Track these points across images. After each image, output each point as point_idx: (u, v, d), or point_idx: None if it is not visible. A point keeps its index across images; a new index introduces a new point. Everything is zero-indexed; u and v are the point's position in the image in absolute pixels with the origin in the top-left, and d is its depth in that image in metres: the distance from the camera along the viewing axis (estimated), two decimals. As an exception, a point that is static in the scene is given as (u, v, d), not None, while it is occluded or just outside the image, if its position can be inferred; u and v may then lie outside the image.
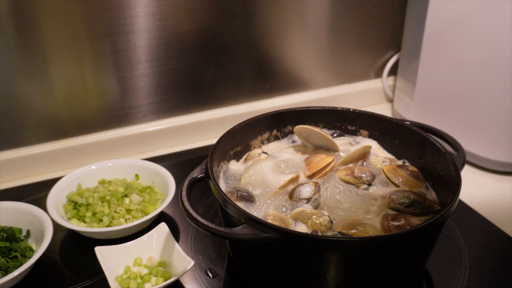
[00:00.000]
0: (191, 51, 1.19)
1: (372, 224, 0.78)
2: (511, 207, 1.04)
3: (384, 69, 1.43)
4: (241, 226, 0.70)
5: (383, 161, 0.93)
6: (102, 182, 1.01)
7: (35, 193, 1.07)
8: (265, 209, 0.81)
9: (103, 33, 1.09)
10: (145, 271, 0.84)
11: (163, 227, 0.88)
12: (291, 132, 1.00)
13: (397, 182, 0.87)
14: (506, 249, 0.93)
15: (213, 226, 0.70)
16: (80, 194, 0.97)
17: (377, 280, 0.76)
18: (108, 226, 0.92)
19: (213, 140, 0.90)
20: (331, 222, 0.78)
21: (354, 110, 0.99)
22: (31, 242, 0.91)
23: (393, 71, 1.44)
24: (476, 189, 1.09)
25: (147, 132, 1.23)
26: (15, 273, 0.80)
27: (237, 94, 1.29)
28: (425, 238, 0.75)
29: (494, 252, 0.92)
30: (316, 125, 0.99)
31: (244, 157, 0.96)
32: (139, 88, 1.18)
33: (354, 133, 1.00)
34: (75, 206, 0.96)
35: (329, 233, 0.76)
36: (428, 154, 0.89)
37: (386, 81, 1.43)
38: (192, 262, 0.80)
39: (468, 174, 1.13)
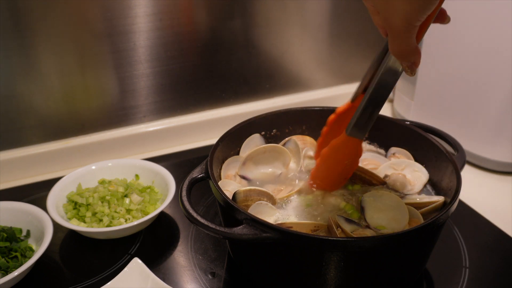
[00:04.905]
0: (191, 51, 1.19)
1: (372, 224, 0.79)
2: (511, 207, 1.04)
3: (384, 69, 1.43)
4: (241, 226, 0.70)
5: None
6: (102, 182, 1.01)
7: (35, 193, 1.07)
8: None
9: (103, 33, 1.09)
10: None
11: (136, 263, 0.80)
12: (291, 132, 1.00)
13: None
14: (506, 249, 0.93)
15: (213, 226, 0.70)
16: (80, 194, 0.97)
17: (377, 280, 0.76)
18: (108, 226, 0.92)
19: (213, 140, 0.90)
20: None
21: (354, 110, 0.99)
22: (31, 242, 0.91)
23: (393, 71, 1.44)
24: (476, 189, 1.09)
25: (147, 132, 1.23)
26: (15, 273, 0.80)
27: (237, 94, 1.29)
28: (425, 238, 0.75)
29: (494, 252, 0.92)
30: (316, 126, 0.98)
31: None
32: (139, 88, 1.18)
33: (354, 133, 1.00)
34: (75, 206, 0.96)
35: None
36: (428, 154, 0.89)
37: (386, 81, 1.43)
38: None
39: (468, 174, 1.13)
